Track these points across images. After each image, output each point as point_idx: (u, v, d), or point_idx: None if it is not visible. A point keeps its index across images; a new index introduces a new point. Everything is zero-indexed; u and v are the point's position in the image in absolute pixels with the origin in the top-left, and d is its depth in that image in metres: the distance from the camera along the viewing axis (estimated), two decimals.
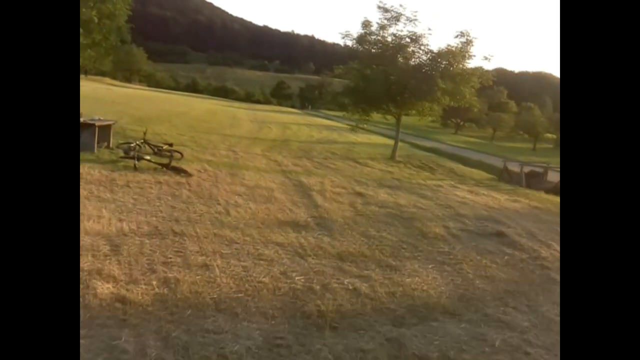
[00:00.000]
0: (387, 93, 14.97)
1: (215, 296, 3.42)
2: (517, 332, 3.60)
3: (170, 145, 10.28)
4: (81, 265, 3.50)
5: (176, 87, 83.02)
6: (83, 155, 7.97)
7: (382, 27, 15.26)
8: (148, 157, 8.51)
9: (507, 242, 6.38)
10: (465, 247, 5.90)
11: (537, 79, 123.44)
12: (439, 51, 14.72)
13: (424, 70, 15.06)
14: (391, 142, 20.74)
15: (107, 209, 5.29)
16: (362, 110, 16.05)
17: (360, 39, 15.57)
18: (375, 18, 16.22)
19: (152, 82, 77.65)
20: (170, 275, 3.64)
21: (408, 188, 10.11)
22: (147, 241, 4.39)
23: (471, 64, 14.88)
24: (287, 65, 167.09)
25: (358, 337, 3.14)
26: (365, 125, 17.01)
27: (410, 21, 14.89)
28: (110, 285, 3.25)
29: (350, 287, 4.01)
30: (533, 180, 14.11)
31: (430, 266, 4.95)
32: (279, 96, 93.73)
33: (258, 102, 77.42)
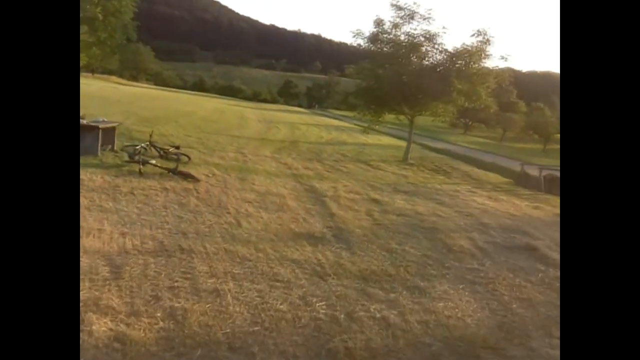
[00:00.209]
0: (401, 93, 14.48)
1: (228, 330, 2.99)
2: None
3: (177, 147, 9.88)
4: None
5: (183, 85, 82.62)
6: (86, 159, 7.60)
7: (395, 26, 14.71)
8: (154, 161, 8.12)
9: (538, 256, 5.91)
10: (495, 262, 5.45)
11: (546, 79, 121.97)
12: (455, 50, 14.17)
13: (438, 70, 14.53)
14: (401, 143, 20.24)
15: (109, 221, 4.90)
16: (373, 110, 15.56)
17: (373, 38, 15.05)
18: (388, 16, 15.68)
19: (159, 80, 77.35)
20: (177, 304, 3.20)
21: (424, 194, 9.65)
22: (151, 260, 3.98)
23: (487, 63, 14.36)
24: (293, 64, 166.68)
25: None
26: (377, 127, 16.54)
27: (425, 19, 14.36)
28: (108, 320, 2.82)
29: (378, 316, 3.57)
30: (552, 185, 13.57)
31: (461, 286, 4.50)
32: (286, 95, 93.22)
33: (265, 101, 76.97)
